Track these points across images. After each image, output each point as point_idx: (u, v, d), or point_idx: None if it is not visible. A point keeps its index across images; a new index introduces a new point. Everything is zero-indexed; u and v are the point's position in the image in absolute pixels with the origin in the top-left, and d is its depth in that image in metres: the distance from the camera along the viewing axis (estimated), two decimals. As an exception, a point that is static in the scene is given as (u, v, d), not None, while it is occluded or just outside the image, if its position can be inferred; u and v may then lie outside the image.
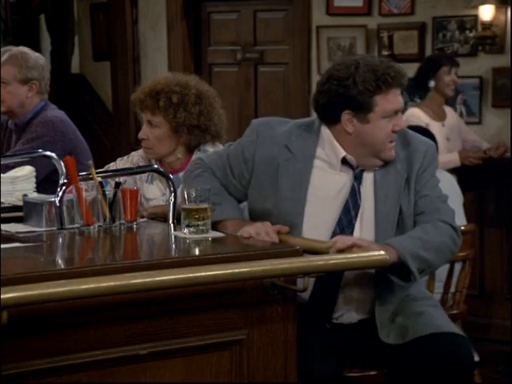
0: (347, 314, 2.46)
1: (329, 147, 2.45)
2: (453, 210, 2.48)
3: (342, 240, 2.26)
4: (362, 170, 2.46)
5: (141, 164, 3.02)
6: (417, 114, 4.60)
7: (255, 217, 2.48)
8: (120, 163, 3.07)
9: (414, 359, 2.31)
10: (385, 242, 2.32)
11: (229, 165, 2.54)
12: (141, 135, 2.97)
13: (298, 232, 2.40)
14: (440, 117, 4.68)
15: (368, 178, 2.46)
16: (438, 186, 2.50)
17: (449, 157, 4.50)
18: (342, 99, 2.39)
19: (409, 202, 2.44)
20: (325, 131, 2.47)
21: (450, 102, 4.88)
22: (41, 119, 3.45)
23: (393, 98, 2.39)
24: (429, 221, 2.40)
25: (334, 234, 2.40)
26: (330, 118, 2.44)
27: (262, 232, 2.32)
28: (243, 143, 2.55)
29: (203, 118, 2.94)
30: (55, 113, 3.52)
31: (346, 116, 2.41)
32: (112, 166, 3.07)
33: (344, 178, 2.45)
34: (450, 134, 4.67)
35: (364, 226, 2.42)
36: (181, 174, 2.99)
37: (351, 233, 2.41)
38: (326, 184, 2.45)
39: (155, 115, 2.92)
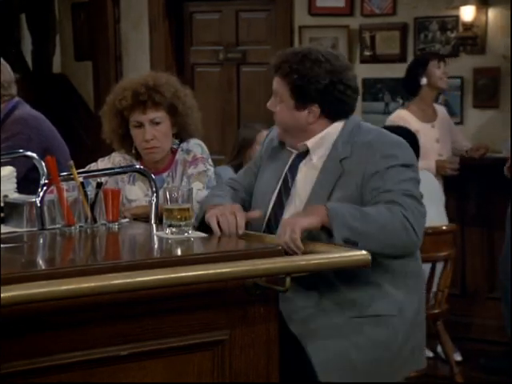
0: None
1: None
2: (420, 211, 2.36)
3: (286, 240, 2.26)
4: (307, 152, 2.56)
5: (122, 165, 3.01)
6: (406, 118, 4.54)
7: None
8: (101, 164, 3.06)
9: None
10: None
11: (249, 166, 2.75)
12: (148, 136, 2.92)
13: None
14: (430, 117, 4.63)
15: (314, 159, 2.52)
16: (397, 179, 2.39)
17: (425, 164, 4.46)
18: None
19: (345, 193, 2.41)
20: None
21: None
22: (13, 118, 3.43)
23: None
24: (378, 202, 2.36)
25: (274, 203, 2.55)
26: None
27: (226, 212, 2.38)
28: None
29: (189, 111, 3.01)
30: (27, 111, 3.50)
31: None
32: (93, 166, 3.06)
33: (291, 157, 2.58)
34: (439, 136, 4.64)
35: (300, 197, 2.51)
36: (164, 175, 3.00)
37: (286, 199, 2.53)
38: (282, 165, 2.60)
39: (159, 110, 2.93)
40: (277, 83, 2.54)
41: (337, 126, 2.52)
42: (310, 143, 2.52)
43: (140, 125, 2.94)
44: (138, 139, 2.95)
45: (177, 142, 3.02)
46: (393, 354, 2.43)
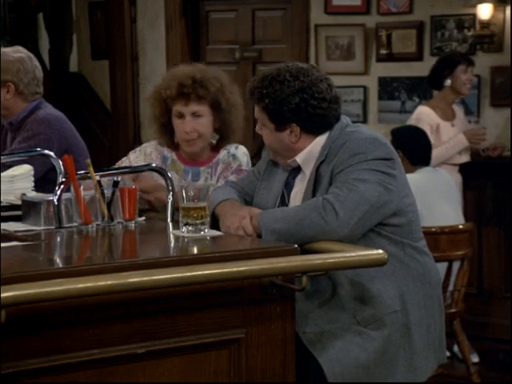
0: None
1: None
2: (363, 195, 2.34)
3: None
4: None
5: (154, 155, 3.01)
6: (428, 113, 4.60)
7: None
8: (132, 156, 3.06)
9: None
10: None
11: (252, 170, 2.75)
12: (188, 129, 2.92)
13: None
14: (448, 116, 4.68)
15: (307, 172, 2.53)
16: (357, 170, 2.38)
17: (455, 139, 4.52)
18: None
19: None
20: None
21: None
22: (35, 117, 3.44)
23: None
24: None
25: None
26: None
27: (246, 215, 2.43)
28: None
29: (232, 109, 2.99)
30: (50, 111, 3.51)
31: None
32: (125, 160, 3.06)
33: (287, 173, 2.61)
34: (458, 134, 4.69)
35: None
36: (202, 168, 3.00)
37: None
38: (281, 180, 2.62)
39: (201, 104, 2.92)
40: (255, 109, 2.56)
41: (322, 137, 2.52)
42: (299, 158, 2.54)
43: (182, 116, 2.94)
44: (178, 130, 2.96)
45: (216, 136, 3.02)
46: (403, 350, 2.42)
